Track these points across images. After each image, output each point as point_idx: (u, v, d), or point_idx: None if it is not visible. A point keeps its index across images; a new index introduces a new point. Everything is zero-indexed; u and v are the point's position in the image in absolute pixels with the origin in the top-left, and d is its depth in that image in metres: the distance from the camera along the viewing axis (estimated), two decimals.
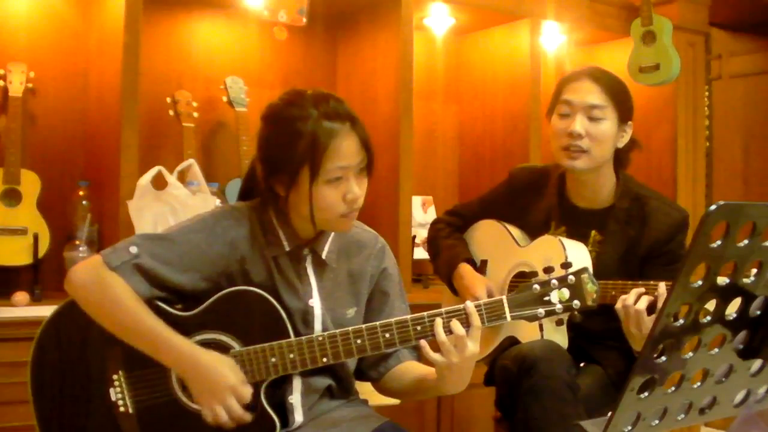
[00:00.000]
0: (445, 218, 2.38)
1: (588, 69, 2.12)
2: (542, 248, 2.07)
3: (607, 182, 2.11)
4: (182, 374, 1.55)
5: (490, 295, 2.08)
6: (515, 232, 2.19)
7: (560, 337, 1.98)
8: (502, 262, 2.17)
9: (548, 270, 1.61)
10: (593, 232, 2.10)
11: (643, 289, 1.84)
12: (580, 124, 2.03)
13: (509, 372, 1.92)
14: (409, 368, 1.74)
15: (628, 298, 1.83)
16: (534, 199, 2.19)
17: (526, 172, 2.27)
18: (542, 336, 1.97)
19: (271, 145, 1.61)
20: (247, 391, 1.54)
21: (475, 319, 1.55)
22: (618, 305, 1.84)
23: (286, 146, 1.56)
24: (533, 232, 2.16)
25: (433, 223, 2.40)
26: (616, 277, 1.95)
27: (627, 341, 1.95)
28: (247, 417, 1.54)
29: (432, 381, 1.63)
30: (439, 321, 1.55)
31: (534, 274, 1.63)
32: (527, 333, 2.01)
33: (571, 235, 2.10)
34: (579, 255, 1.98)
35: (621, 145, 2.10)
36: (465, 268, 2.18)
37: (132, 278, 1.55)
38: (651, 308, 1.82)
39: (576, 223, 2.12)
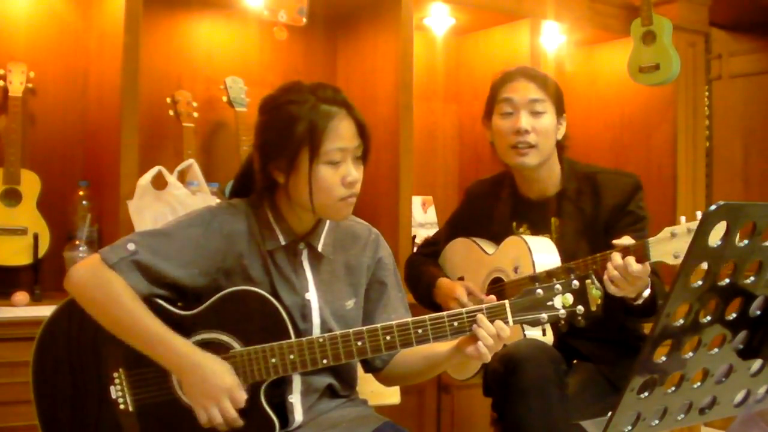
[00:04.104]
0: (420, 251, 2.48)
1: (520, 69, 2.21)
2: (509, 250, 2.12)
3: (553, 172, 2.19)
4: (178, 375, 1.55)
5: (469, 293, 2.14)
6: (483, 243, 2.25)
7: (546, 337, 1.98)
8: (476, 273, 2.22)
9: (534, 279, 1.62)
10: (553, 219, 2.16)
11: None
12: (525, 120, 2.11)
13: (497, 373, 1.93)
14: (414, 349, 1.72)
15: (610, 270, 1.82)
16: (492, 207, 2.26)
17: (479, 184, 2.38)
18: (524, 335, 1.98)
19: (269, 131, 1.62)
20: (242, 396, 1.54)
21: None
22: (605, 278, 1.82)
23: (285, 129, 1.58)
24: (500, 237, 2.20)
25: (407, 261, 2.46)
26: (581, 254, 1.99)
27: (617, 334, 2.01)
28: (240, 422, 1.54)
29: (442, 353, 1.65)
30: (483, 317, 1.56)
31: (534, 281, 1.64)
32: (512, 335, 2.02)
33: (535, 229, 2.16)
34: (544, 249, 2.03)
35: (560, 137, 2.18)
36: (442, 282, 2.23)
37: (130, 275, 1.55)
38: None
39: (535, 216, 2.18)
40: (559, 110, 2.17)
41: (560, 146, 2.20)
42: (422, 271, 2.32)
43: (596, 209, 2.11)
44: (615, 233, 2.03)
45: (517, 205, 2.22)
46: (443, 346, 1.65)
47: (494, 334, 1.55)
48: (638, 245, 1.83)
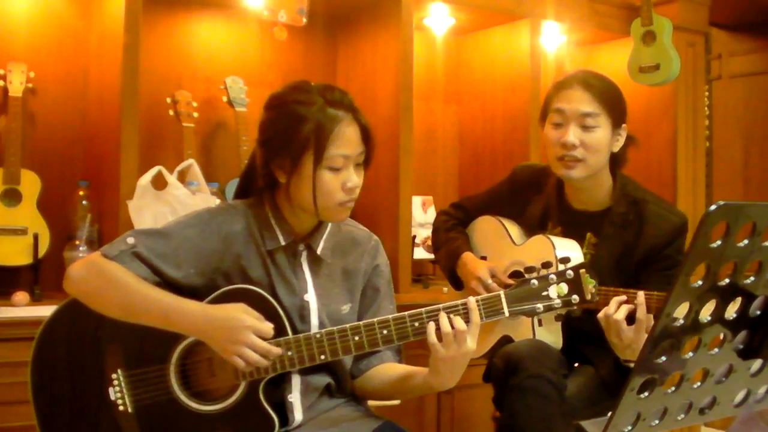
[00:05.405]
0: (450, 210, 2.39)
1: (580, 75, 2.08)
2: (535, 248, 2.08)
3: (603, 185, 2.10)
4: (199, 335, 1.54)
5: (493, 276, 2.10)
6: (512, 229, 2.20)
7: (553, 338, 1.99)
8: (499, 259, 2.18)
9: (529, 270, 1.61)
10: (588, 235, 2.09)
11: (624, 298, 1.81)
12: (573, 134, 2.01)
13: (497, 369, 1.94)
14: (392, 368, 1.74)
15: (609, 308, 1.80)
16: (533, 198, 2.20)
17: (528, 170, 2.28)
18: (534, 335, 1.97)
19: (274, 129, 1.62)
20: (267, 326, 1.53)
21: (475, 316, 1.55)
22: (600, 315, 1.82)
23: (291, 128, 1.57)
24: (530, 229, 2.16)
25: (438, 215, 2.40)
26: (610, 280, 1.94)
27: None
28: (276, 350, 1.53)
29: (419, 377, 1.62)
30: (443, 314, 1.54)
31: (529, 272, 1.63)
32: (522, 332, 2.02)
33: (567, 237, 2.09)
34: (570, 253, 1.96)
35: (616, 149, 2.08)
36: (468, 256, 2.18)
37: (131, 264, 1.56)
38: (631, 317, 1.79)
39: (572, 224, 2.11)
40: (617, 121, 2.05)
41: (616, 159, 2.09)
42: (450, 238, 2.27)
43: (635, 242, 2.02)
44: (645, 274, 1.99)
45: (557, 207, 2.15)
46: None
47: (448, 332, 1.52)
48: (661, 297, 1.77)
